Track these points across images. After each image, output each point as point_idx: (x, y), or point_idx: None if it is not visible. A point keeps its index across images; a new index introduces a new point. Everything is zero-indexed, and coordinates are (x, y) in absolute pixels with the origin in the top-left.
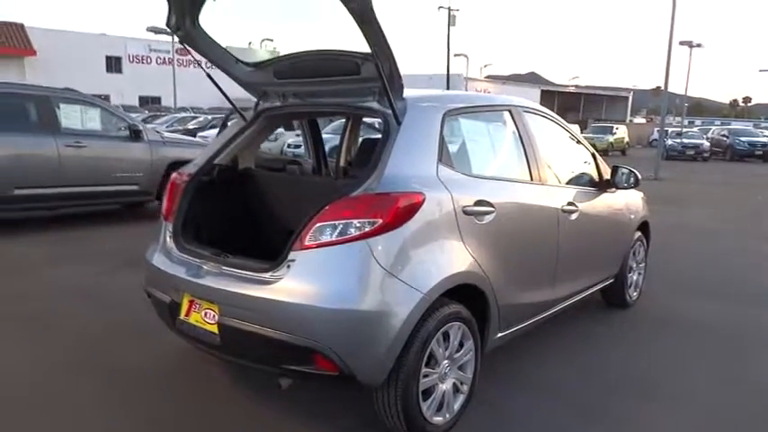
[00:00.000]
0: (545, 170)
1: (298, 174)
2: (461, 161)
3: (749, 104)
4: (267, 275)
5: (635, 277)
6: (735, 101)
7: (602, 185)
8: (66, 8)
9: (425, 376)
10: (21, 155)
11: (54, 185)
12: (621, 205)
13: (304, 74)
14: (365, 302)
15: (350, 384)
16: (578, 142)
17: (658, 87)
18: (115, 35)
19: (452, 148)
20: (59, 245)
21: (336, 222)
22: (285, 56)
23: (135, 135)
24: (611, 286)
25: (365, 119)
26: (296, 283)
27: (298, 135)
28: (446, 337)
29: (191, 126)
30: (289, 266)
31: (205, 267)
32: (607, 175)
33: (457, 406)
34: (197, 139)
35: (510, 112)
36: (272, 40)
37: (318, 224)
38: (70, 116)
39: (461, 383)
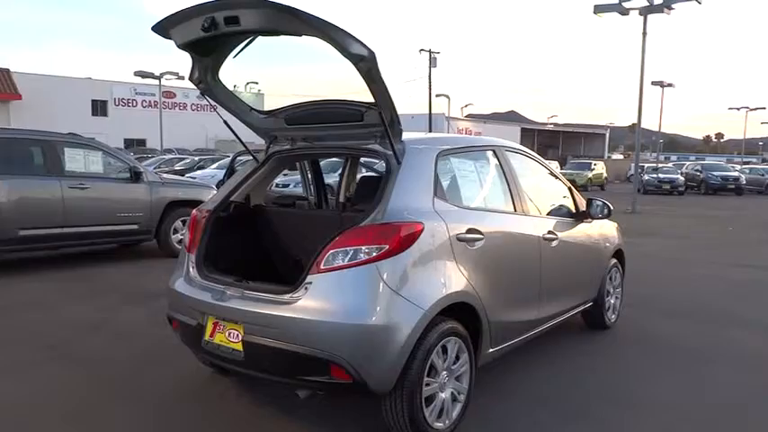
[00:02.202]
0: (527, 202)
1: (306, 209)
2: (453, 195)
3: (722, 140)
4: (287, 297)
5: (612, 301)
6: (708, 137)
7: (578, 216)
8: (52, 54)
9: (427, 385)
10: (26, 197)
11: (58, 226)
12: (597, 234)
13: (313, 120)
14: (375, 318)
15: (361, 393)
16: (556, 177)
17: (634, 124)
18: (101, 79)
19: (445, 183)
20: (66, 282)
21: (348, 249)
22: (296, 105)
23: (135, 176)
24: (590, 309)
25: (363, 159)
26: (313, 303)
27: (285, 174)
28: (444, 350)
29: (177, 167)
30: (306, 288)
31: (228, 292)
32: (583, 206)
33: (455, 414)
34: (192, 179)
35: (494, 151)
36: (257, 83)
37: (332, 251)
38: (74, 159)
39: (459, 393)
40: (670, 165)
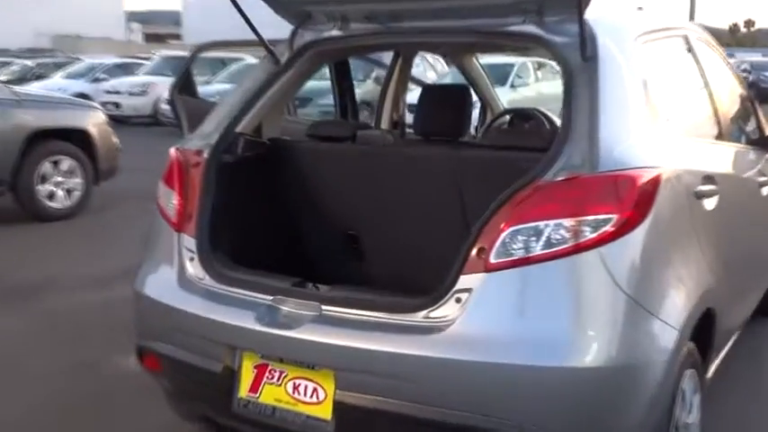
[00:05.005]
0: (729, 124)
1: (381, 145)
2: (668, 116)
3: (752, 29)
4: (419, 318)
5: None
6: (735, 25)
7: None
8: None
9: None
10: None
11: None
12: None
13: None
14: (607, 353)
15: None
16: (738, 81)
17: (639, 8)
18: None
19: (654, 95)
20: None
21: (538, 224)
22: None
23: None
24: None
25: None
26: (479, 330)
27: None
28: (682, 392)
29: (2, 78)
30: (459, 300)
31: (284, 308)
32: None
33: None
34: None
35: (686, 38)
36: None
37: (510, 228)
38: None
39: None
40: None
